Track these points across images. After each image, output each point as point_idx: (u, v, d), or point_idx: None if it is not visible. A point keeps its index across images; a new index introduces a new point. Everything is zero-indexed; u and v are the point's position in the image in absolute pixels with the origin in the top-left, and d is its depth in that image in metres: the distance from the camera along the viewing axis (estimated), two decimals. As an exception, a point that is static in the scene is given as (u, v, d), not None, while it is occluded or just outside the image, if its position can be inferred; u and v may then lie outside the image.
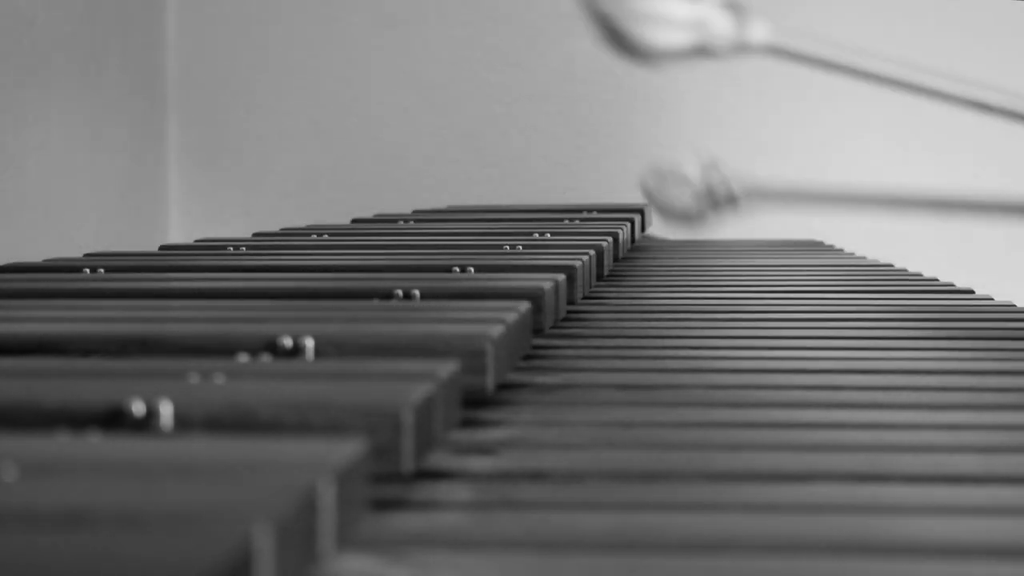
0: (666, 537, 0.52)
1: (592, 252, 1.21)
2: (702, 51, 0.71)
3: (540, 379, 0.82)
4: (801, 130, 2.41)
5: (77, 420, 0.58)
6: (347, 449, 0.49)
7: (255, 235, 1.58)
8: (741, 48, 0.69)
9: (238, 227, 2.38)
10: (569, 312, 1.07)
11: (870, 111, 2.37)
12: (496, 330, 0.75)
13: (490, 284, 1.00)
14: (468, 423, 0.70)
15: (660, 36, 0.66)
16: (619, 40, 0.67)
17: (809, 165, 2.37)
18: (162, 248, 1.42)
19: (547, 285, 0.94)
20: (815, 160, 2.37)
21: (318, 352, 0.73)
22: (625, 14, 0.66)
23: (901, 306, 1.16)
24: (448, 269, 1.09)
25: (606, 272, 1.30)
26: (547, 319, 0.94)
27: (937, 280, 1.37)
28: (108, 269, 1.14)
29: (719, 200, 0.99)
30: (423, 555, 0.50)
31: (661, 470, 0.62)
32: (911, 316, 1.10)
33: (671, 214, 0.98)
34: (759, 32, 0.69)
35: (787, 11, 2.32)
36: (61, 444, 0.53)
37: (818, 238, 1.93)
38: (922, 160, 2.36)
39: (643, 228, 1.87)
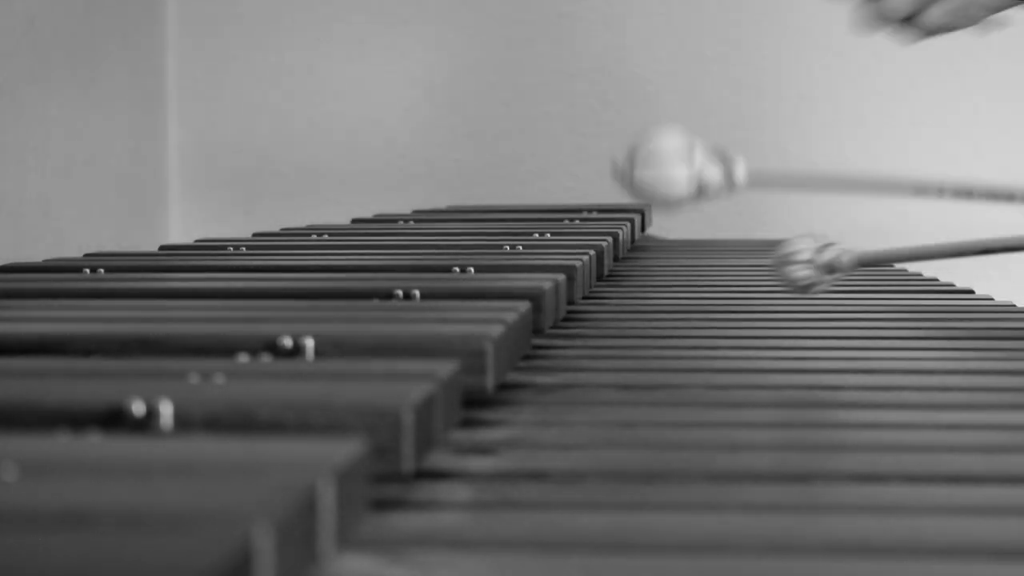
0: (666, 537, 0.52)
1: (592, 252, 1.21)
2: (702, 195, 1.02)
3: (540, 379, 0.82)
4: (802, 130, 2.41)
5: (77, 420, 0.58)
6: (347, 449, 0.49)
7: (255, 235, 1.58)
8: (730, 188, 0.96)
9: (238, 227, 2.38)
10: (569, 312, 1.07)
11: (868, 104, 2.37)
12: (496, 330, 0.75)
13: (490, 284, 1.00)
14: (468, 423, 0.69)
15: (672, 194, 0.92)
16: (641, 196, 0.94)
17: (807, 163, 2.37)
18: (162, 248, 1.41)
19: (547, 285, 0.94)
20: (812, 161, 2.37)
21: (318, 352, 0.73)
22: (645, 185, 0.92)
23: (901, 306, 1.16)
24: (448, 269, 1.09)
25: (606, 272, 1.30)
26: (547, 319, 0.94)
27: (937, 280, 1.37)
28: (108, 269, 1.14)
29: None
30: (423, 555, 0.50)
31: (661, 470, 0.62)
32: (911, 316, 1.10)
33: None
34: (741, 173, 0.94)
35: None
36: (61, 444, 0.53)
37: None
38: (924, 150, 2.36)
39: (643, 228, 1.87)
